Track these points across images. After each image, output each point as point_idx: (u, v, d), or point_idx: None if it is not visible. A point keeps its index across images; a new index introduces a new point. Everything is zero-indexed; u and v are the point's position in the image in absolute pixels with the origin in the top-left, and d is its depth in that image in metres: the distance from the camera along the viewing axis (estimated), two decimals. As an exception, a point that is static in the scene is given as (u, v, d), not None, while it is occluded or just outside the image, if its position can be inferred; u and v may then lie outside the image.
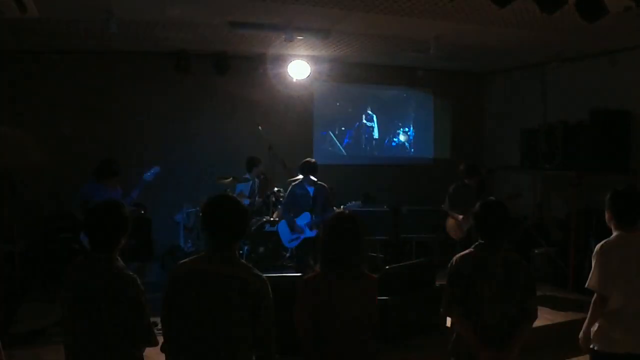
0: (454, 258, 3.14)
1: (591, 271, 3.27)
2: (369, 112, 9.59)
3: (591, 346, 3.28)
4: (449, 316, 3.11)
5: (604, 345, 3.21)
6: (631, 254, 3.18)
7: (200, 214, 2.72)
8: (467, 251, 3.14)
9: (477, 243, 3.13)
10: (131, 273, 2.68)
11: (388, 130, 9.75)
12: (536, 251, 7.52)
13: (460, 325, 3.05)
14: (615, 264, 3.18)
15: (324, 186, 6.53)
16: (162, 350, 2.64)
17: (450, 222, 6.76)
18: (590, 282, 3.26)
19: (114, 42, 6.87)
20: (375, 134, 9.65)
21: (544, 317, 5.68)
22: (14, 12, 4.59)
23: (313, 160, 6.65)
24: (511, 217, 3.21)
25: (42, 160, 7.33)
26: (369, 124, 9.60)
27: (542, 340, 5.21)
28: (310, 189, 6.49)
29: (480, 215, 3.11)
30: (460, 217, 6.55)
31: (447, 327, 5.24)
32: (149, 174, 5.61)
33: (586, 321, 3.33)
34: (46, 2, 4.96)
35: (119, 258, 2.74)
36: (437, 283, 5.62)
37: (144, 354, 2.78)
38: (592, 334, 3.28)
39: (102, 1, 5.31)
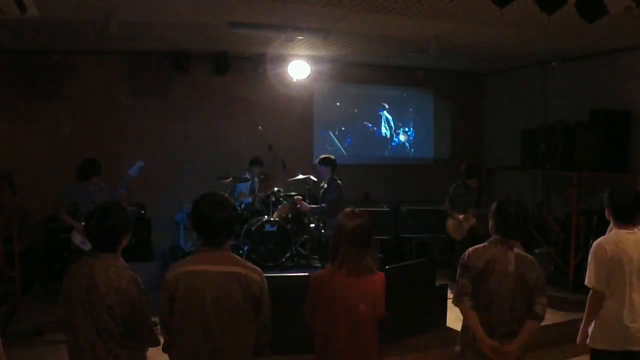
0: (468, 251, 3.15)
1: (587, 269, 3.28)
2: (382, 112, 9.62)
3: (588, 343, 3.29)
4: (459, 307, 3.12)
5: (602, 343, 3.22)
6: (627, 251, 3.19)
7: (187, 214, 2.72)
8: (481, 245, 3.15)
9: (491, 239, 3.14)
10: (133, 273, 2.68)
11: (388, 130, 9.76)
12: (536, 251, 7.51)
13: (468, 317, 3.07)
14: (611, 261, 3.19)
15: (335, 184, 6.60)
16: (164, 350, 2.64)
17: (450, 222, 6.77)
18: (588, 279, 3.28)
19: (114, 42, 6.87)
20: (380, 133, 9.67)
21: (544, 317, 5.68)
22: (14, 12, 4.58)
23: (323, 156, 6.81)
24: (529, 217, 3.22)
25: (42, 160, 7.35)
26: (372, 124, 9.62)
27: (542, 340, 5.21)
28: (326, 184, 6.67)
29: (500, 212, 3.11)
30: (461, 217, 6.55)
31: (447, 327, 5.28)
32: (133, 168, 5.63)
33: (583, 319, 3.34)
34: (46, 2, 4.95)
35: (121, 258, 2.74)
36: (437, 283, 5.62)
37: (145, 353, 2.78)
38: (590, 332, 3.29)
39: (102, 1, 5.31)
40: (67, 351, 2.68)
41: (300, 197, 7.25)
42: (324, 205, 6.58)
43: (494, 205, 3.19)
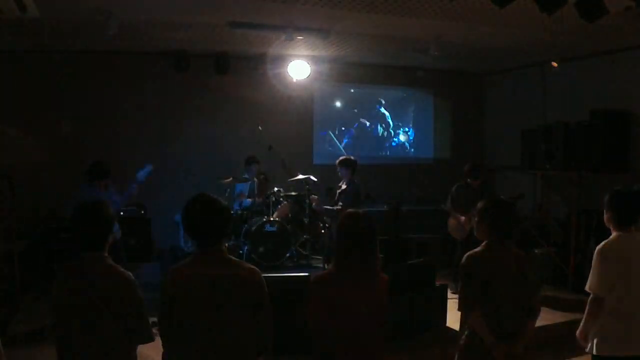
0: (469, 256, 3.09)
1: (590, 273, 3.26)
2: (379, 107, 9.63)
3: (590, 347, 3.26)
4: (471, 318, 3.04)
5: (606, 349, 3.19)
6: (631, 254, 3.18)
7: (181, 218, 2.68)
8: (479, 249, 3.11)
9: (489, 241, 3.10)
10: (124, 270, 2.67)
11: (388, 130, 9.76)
12: (536, 251, 7.51)
13: (479, 324, 3.00)
14: (614, 265, 3.17)
15: (352, 188, 6.64)
16: (163, 359, 2.62)
17: (452, 222, 6.76)
18: (590, 284, 3.25)
19: (114, 42, 6.86)
20: (379, 133, 9.66)
21: (544, 317, 5.65)
22: (14, 12, 4.59)
23: (342, 157, 6.88)
24: (517, 215, 3.24)
25: (42, 160, 7.34)
26: (372, 124, 9.61)
27: (542, 340, 5.20)
28: (345, 185, 6.73)
29: (491, 213, 3.10)
30: (463, 217, 6.54)
31: (447, 327, 5.27)
32: (142, 172, 5.63)
33: (582, 321, 3.30)
34: (46, 2, 4.95)
35: (108, 256, 2.72)
36: (437, 283, 5.62)
37: (144, 354, 2.77)
38: (592, 337, 3.25)
39: (102, 1, 5.31)
40: (57, 351, 2.65)
41: (316, 197, 7.25)
42: (338, 208, 6.56)
43: (481, 207, 3.16)
